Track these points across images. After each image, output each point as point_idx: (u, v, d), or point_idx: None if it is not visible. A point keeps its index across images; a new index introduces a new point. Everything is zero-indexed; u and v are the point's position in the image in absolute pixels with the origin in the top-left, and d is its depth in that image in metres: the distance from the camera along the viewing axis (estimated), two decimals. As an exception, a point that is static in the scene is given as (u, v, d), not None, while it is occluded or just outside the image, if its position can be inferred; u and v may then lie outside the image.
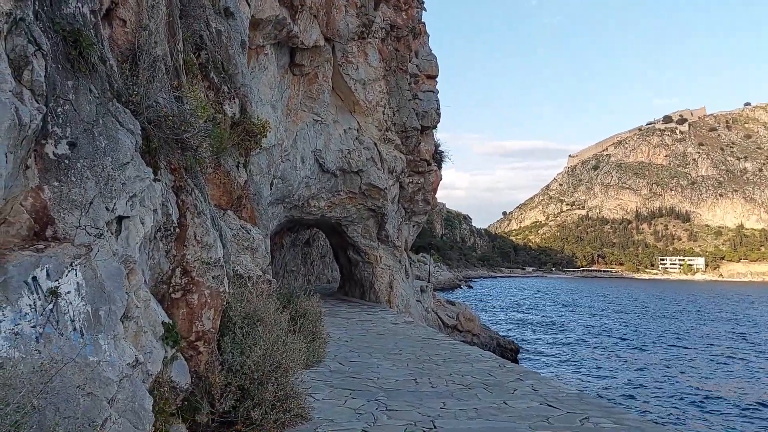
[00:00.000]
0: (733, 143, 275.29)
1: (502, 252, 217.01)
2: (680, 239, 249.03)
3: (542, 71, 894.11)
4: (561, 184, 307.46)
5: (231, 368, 6.32)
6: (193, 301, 5.90)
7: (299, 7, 16.64)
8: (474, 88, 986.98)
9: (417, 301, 26.75)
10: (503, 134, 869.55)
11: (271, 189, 17.50)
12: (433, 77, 29.00)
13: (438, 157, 28.94)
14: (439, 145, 29.20)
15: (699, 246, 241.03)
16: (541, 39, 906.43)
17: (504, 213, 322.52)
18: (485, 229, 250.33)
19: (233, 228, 9.35)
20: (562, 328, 44.04)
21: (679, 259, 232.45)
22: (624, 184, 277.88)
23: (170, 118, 5.69)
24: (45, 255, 3.98)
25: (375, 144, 22.56)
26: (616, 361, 29.43)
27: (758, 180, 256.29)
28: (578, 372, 26.17)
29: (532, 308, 64.04)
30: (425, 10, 29.00)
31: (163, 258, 5.74)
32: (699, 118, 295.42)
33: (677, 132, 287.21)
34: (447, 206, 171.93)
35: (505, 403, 7.94)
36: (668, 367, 27.53)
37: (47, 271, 3.94)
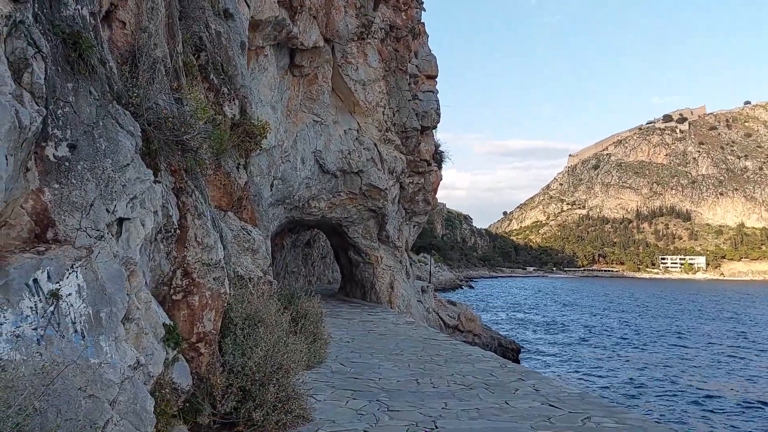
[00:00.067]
0: (733, 142, 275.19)
1: (502, 252, 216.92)
2: (681, 238, 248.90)
3: (542, 71, 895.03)
4: (561, 184, 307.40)
5: (232, 369, 6.32)
6: (194, 302, 5.89)
7: (298, 8, 16.65)
8: (474, 88, 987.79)
9: (418, 301, 26.73)
10: (503, 134, 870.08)
11: (271, 190, 17.51)
12: (432, 77, 29.00)
13: (438, 158, 28.95)
14: (439, 146, 29.24)
15: (700, 245, 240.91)
16: (541, 39, 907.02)
17: (504, 213, 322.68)
18: (486, 229, 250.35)
19: (234, 229, 9.35)
20: (564, 328, 44.02)
21: (680, 258, 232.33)
22: (624, 184, 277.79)
23: (170, 119, 5.69)
24: (46, 257, 3.98)
25: (375, 144, 22.57)
26: (618, 360, 29.41)
27: (759, 179, 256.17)
28: (580, 372, 26.16)
29: (533, 308, 64.03)
30: (424, 11, 29.00)
31: (163, 260, 5.74)
32: (699, 116, 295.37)
33: (677, 131, 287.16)
34: (447, 206, 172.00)
35: (507, 403, 7.93)
36: (669, 367, 27.52)
37: (48, 273, 3.94)
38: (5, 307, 3.66)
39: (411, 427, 6.73)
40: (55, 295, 3.95)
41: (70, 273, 4.08)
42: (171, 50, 6.64)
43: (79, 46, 4.59)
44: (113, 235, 4.72)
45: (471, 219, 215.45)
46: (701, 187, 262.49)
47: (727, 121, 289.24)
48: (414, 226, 28.60)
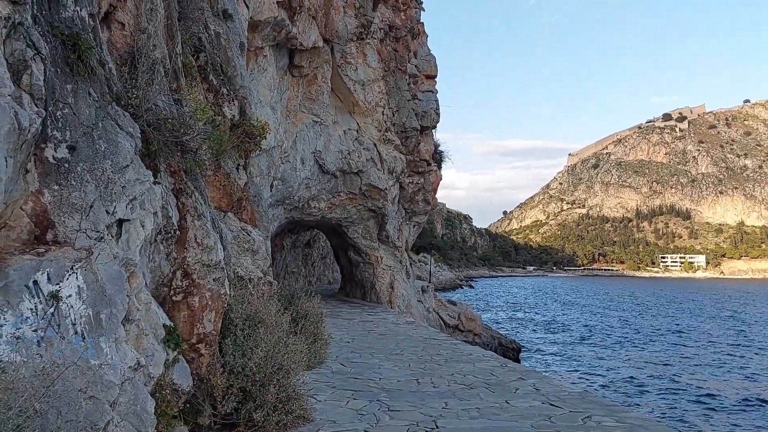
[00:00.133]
0: (732, 140, 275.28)
1: (502, 251, 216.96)
2: (681, 237, 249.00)
3: (541, 71, 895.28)
4: (561, 183, 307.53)
5: (233, 370, 6.32)
6: (194, 303, 5.90)
7: (298, 8, 16.65)
8: (473, 88, 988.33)
9: (418, 301, 26.73)
10: (503, 134, 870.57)
11: (271, 190, 17.52)
12: (432, 77, 28.99)
13: (438, 157, 28.93)
14: (439, 145, 29.22)
15: (700, 243, 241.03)
16: (540, 38, 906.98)
17: (504, 212, 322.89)
18: (486, 229, 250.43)
19: (234, 230, 9.35)
20: (564, 327, 44.03)
21: (680, 257, 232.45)
22: (624, 183, 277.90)
23: (170, 120, 5.69)
24: (46, 259, 3.99)
25: (375, 144, 22.57)
26: (618, 359, 29.42)
27: (758, 177, 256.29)
28: (580, 371, 26.17)
29: (533, 307, 64.02)
30: (423, 11, 28.99)
31: (163, 261, 5.74)
32: (699, 115, 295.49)
33: (677, 130, 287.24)
34: (447, 206, 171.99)
35: (508, 403, 7.93)
36: (670, 365, 27.52)
37: (48, 274, 3.94)
38: (5, 309, 3.66)
39: (411, 426, 6.73)
40: (55, 297, 3.95)
41: (70, 274, 4.08)
42: (170, 51, 6.64)
43: (78, 47, 4.59)
44: (113, 237, 4.73)
45: (471, 219, 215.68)
46: (701, 185, 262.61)
47: (726, 119, 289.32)
48: (414, 226, 28.60)
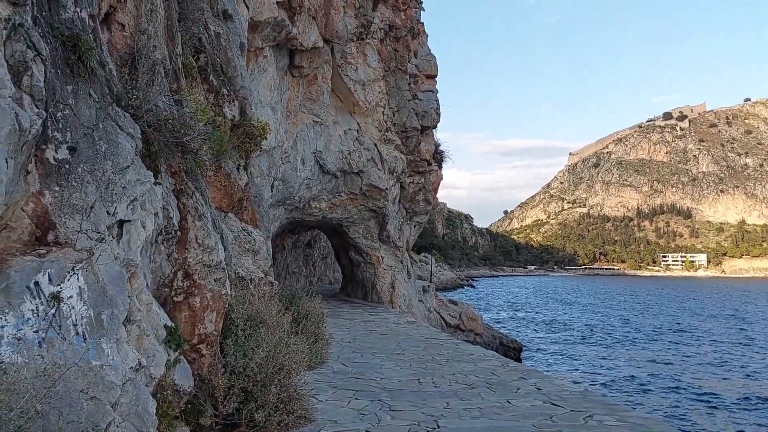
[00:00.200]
0: (733, 139, 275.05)
1: (503, 251, 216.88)
2: (682, 236, 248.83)
3: (541, 70, 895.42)
4: (562, 183, 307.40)
5: (234, 370, 6.32)
6: (195, 303, 5.90)
7: (298, 8, 16.65)
8: (473, 88, 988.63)
9: (419, 301, 26.73)
10: (503, 133, 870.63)
11: (271, 191, 17.52)
12: (432, 77, 28.99)
13: (438, 157, 28.93)
14: (439, 145, 29.22)
15: (701, 242, 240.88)
16: (540, 38, 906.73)
17: (505, 212, 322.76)
18: (487, 229, 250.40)
19: (234, 230, 9.36)
20: (565, 327, 44.01)
21: (681, 256, 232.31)
22: (625, 182, 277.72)
23: (170, 121, 5.69)
24: (47, 260, 3.99)
25: (375, 144, 22.56)
26: (619, 358, 29.40)
27: (759, 176, 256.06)
28: (582, 370, 26.16)
29: (534, 307, 64.01)
30: (423, 10, 28.98)
31: (164, 261, 5.74)
32: (699, 114, 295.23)
33: (677, 128, 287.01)
34: (448, 206, 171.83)
35: (509, 402, 7.93)
36: (671, 364, 27.51)
37: (49, 275, 3.95)
38: (7, 310, 3.66)
39: (413, 426, 6.72)
40: (56, 298, 3.95)
41: (71, 275, 4.08)
42: (170, 52, 6.64)
43: (78, 48, 4.59)
44: (114, 237, 4.73)
45: (472, 218, 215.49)
46: (702, 184, 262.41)
47: (727, 118, 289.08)
48: (415, 226, 28.60)
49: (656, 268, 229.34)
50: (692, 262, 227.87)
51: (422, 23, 29.05)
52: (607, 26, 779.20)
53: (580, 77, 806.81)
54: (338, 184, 21.76)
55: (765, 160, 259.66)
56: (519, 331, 39.12)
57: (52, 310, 3.90)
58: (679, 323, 47.18)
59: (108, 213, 4.63)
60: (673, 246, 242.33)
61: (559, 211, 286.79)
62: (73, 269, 4.11)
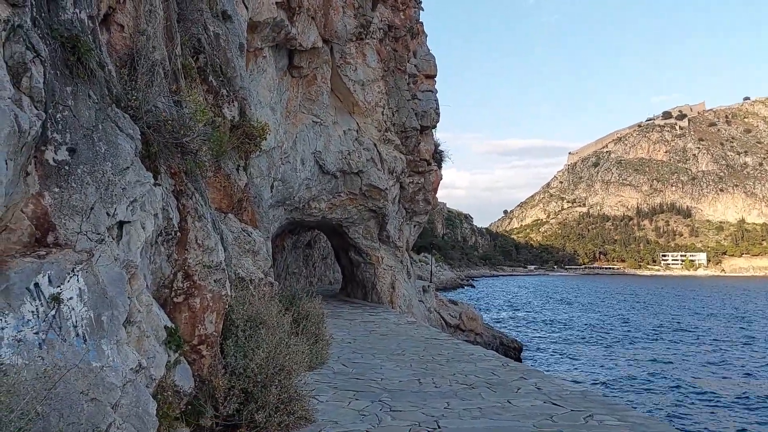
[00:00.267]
0: (733, 138, 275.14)
1: (503, 251, 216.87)
2: (682, 235, 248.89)
3: (540, 70, 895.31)
4: (561, 182, 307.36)
5: (234, 371, 6.32)
6: (195, 304, 5.90)
7: (297, 9, 16.65)
8: (472, 88, 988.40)
9: (419, 301, 26.73)
10: (502, 133, 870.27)
11: (271, 191, 17.51)
12: (431, 77, 28.98)
13: (438, 157, 28.93)
14: (439, 145, 29.21)
15: (700, 241, 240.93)
16: (539, 38, 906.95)
17: (505, 211, 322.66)
18: (486, 228, 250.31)
19: (234, 231, 9.36)
20: (565, 326, 44.02)
21: (681, 255, 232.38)
22: (624, 181, 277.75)
23: (169, 122, 5.69)
24: (47, 261, 3.99)
25: (375, 144, 22.57)
26: (620, 358, 29.40)
27: (759, 174, 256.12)
28: (582, 369, 26.16)
29: (534, 306, 64.01)
30: (423, 10, 28.98)
31: (164, 262, 5.74)
32: (698, 113, 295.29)
33: (677, 128, 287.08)
34: (448, 206, 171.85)
35: (509, 402, 7.93)
36: (671, 363, 27.51)
37: (49, 277, 3.94)
38: (7, 312, 3.66)
39: (413, 427, 6.72)
40: (56, 299, 3.95)
41: (71, 277, 4.08)
42: (170, 53, 6.64)
43: (77, 49, 4.59)
44: (114, 239, 4.73)
45: (471, 218, 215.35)
46: (701, 183, 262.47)
47: (726, 117, 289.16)
48: (414, 226, 28.59)
49: (656, 267, 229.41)
50: (692, 261, 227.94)
51: (421, 23, 29.05)
52: (606, 26, 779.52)
53: (579, 77, 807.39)
54: (338, 184, 21.77)
55: (764, 158, 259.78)
56: (519, 331, 39.13)
57: (52, 312, 3.90)
58: (679, 322, 47.18)
59: (108, 214, 4.63)
60: (672, 245, 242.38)
61: (559, 211, 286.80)
62: (73, 270, 4.10)
